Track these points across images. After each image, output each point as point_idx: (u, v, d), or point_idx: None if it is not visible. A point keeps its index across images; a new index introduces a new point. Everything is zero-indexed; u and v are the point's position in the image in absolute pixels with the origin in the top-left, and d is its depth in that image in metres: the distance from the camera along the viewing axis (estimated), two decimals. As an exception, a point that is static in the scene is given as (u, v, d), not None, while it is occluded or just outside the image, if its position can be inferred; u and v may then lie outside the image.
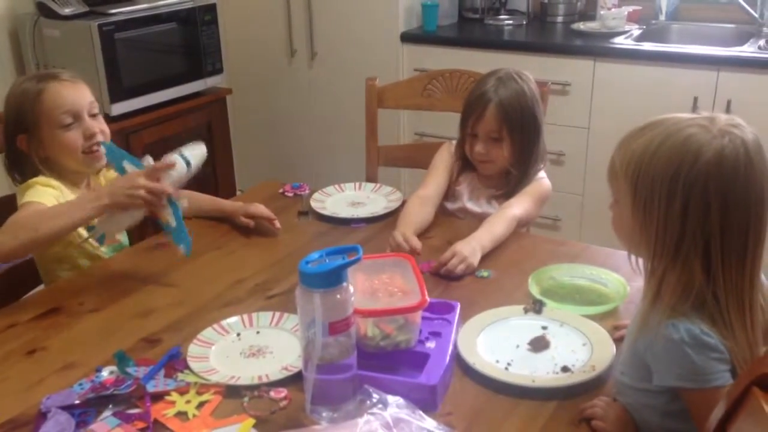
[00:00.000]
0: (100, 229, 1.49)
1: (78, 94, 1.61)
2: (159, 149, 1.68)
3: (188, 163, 1.46)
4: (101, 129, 1.63)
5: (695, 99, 2.57)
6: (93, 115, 1.63)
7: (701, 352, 0.96)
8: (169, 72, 2.96)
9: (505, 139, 1.73)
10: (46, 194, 1.54)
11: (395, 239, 1.57)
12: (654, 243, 0.99)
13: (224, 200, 1.83)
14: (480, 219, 1.75)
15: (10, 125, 1.61)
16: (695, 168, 0.95)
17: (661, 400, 1.03)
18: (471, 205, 1.83)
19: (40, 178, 1.58)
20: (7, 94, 1.63)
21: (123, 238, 1.75)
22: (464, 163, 1.84)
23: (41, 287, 1.65)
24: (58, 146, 1.60)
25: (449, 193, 1.85)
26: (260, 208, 1.73)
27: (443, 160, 1.86)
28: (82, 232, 1.55)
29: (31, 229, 1.40)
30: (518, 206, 1.69)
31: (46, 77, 1.62)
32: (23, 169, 1.62)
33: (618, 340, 1.23)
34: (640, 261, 1.05)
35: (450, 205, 1.86)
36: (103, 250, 1.65)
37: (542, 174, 1.79)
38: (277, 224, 1.72)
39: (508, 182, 1.79)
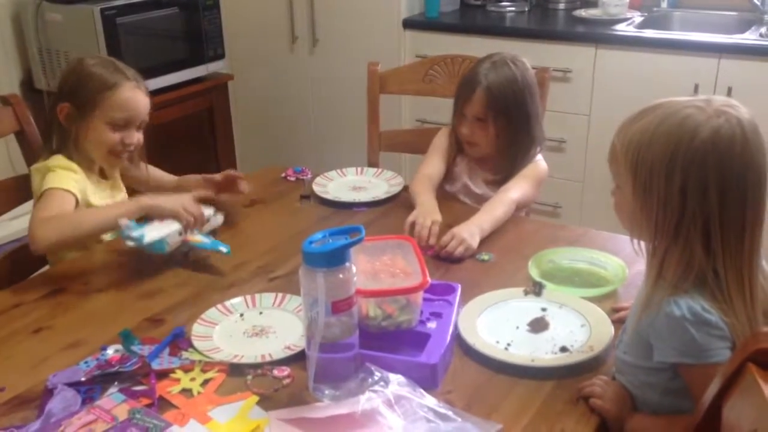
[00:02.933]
0: (141, 229, 1.47)
1: (142, 106, 1.63)
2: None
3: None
4: (138, 140, 1.66)
5: (696, 86, 2.57)
6: (139, 126, 1.66)
7: (702, 328, 0.97)
8: (170, 57, 2.96)
9: (490, 124, 1.74)
10: (68, 179, 1.55)
11: (423, 225, 1.56)
12: (655, 223, 1.01)
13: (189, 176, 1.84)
14: (479, 199, 1.77)
15: (64, 93, 1.61)
16: (692, 147, 0.97)
17: (662, 378, 1.04)
18: (472, 185, 1.85)
19: (61, 161, 1.59)
20: (74, 66, 1.62)
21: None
22: (460, 145, 1.85)
23: (47, 267, 1.66)
24: (94, 136, 1.61)
25: (447, 175, 1.86)
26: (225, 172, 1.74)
27: (440, 144, 1.87)
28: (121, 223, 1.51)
29: (75, 226, 1.47)
30: (516, 189, 1.70)
31: (123, 73, 1.61)
32: (51, 137, 1.63)
33: (616, 322, 1.24)
34: (643, 244, 1.07)
35: (449, 187, 1.87)
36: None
37: (539, 157, 1.81)
38: (243, 186, 1.73)
39: (502, 166, 1.80)
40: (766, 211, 1.01)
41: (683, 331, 0.98)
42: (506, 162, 1.78)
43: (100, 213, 1.52)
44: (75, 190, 1.54)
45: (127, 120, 1.61)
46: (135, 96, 1.61)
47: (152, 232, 1.46)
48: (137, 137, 1.65)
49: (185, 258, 1.54)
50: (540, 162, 1.80)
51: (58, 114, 1.60)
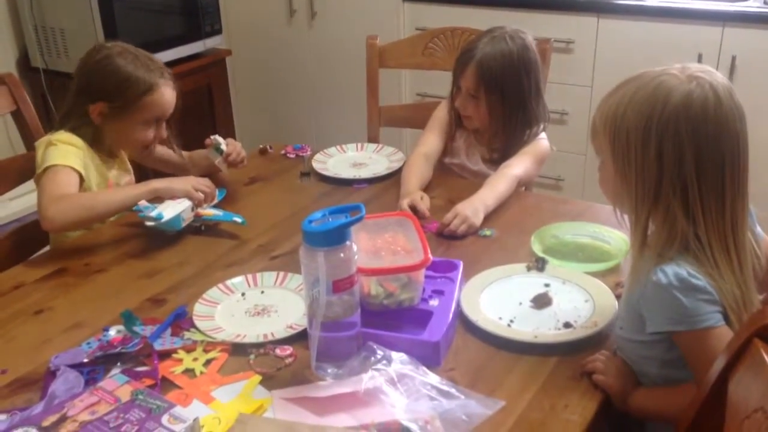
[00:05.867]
0: (157, 208, 1.50)
1: (172, 103, 1.65)
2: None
3: (221, 151, 1.74)
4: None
5: (700, 55, 2.54)
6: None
7: (690, 294, 0.98)
8: (167, 33, 2.93)
9: (482, 98, 1.72)
10: (70, 154, 1.55)
11: (402, 209, 1.56)
12: (635, 192, 1.02)
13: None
14: (476, 175, 1.75)
15: (97, 91, 1.59)
16: (665, 113, 0.97)
17: (658, 350, 1.04)
18: (468, 162, 1.83)
19: (62, 135, 1.58)
20: (103, 63, 1.60)
21: None
22: (459, 119, 1.83)
23: (47, 248, 1.66)
24: (130, 134, 1.63)
25: (446, 149, 1.85)
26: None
27: (440, 117, 1.86)
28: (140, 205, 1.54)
29: (87, 208, 1.48)
30: (518, 166, 1.68)
31: (156, 72, 1.61)
32: (67, 117, 1.62)
33: (620, 297, 1.24)
34: (626, 216, 1.07)
35: (447, 159, 1.86)
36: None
37: (542, 135, 1.78)
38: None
39: (498, 144, 1.78)
40: (748, 175, 1.01)
41: (672, 299, 0.98)
42: (502, 139, 1.76)
43: (114, 196, 1.53)
44: (78, 166, 1.54)
45: (159, 117, 1.64)
46: (169, 95, 1.63)
47: (168, 210, 1.50)
48: (163, 131, 1.67)
49: (198, 231, 1.57)
50: (543, 140, 1.77)
51: (92, 113, 1.60)
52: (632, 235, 1.06)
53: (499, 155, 1.77)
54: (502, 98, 1.70)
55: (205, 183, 1.59)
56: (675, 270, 0.98)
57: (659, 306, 1.00)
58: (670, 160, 0.98)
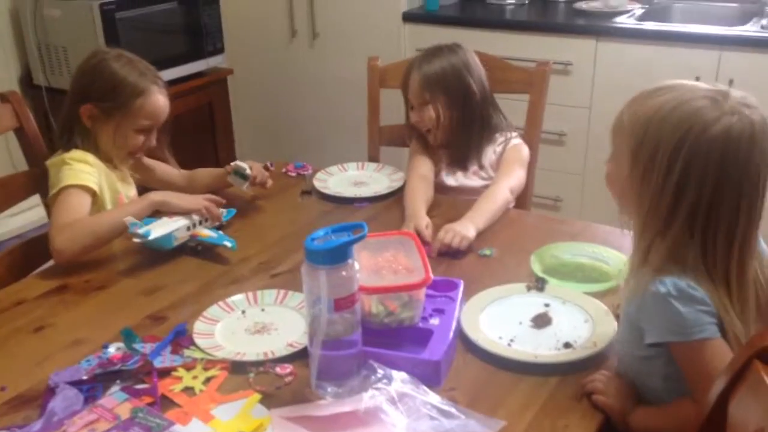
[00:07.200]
0: (148, 225, 1.50)
1: (166, 111, 1.66)
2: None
3: (246, 177, 1.72)
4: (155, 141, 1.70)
5: (697, 79, 2.55)
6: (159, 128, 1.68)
7: (688, 304, 0.98)
8: (170, 52, 2.95)
9: (430, 103, 1.80)
10: (83, 173, 1.56)
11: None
12: (647, 208, 1.01)
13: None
14: (459, 191, 1.81)
15: (89, 93, 1.60)
16: (701, 140, 0.96)
17: (657, 364, 1.04)
18: (445, 180, 1.87)
19: (74, 153, 1.59)
20: (97, 65, 1.62)
21: None
22: (426, 144, 1.89)
23: (48, 265, 1.66)
24: (119, 139, 1.63)
25: None
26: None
27: (417, 148, 1.92)
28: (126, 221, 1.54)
29: (92, 234, 1.49)
30: (505, 179, 1.72)
31: (149, 78, 1.62)
32: (68, 132, 1.63)
33: (618, 318, 1.24)
34: (629, 219, 1.08)
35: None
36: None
37: (517, 140, 1.84)
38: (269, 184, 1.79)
39: (459, 150, 1.84)
40: (760, 218, 1.01)
41: (670, 308, 0.98)
42: (460, 145, 1.82)
43: (114, 215, 1.53)
44: (91, 184, 1.56)
45: (151, 125, 1.64)
46: (161, 102, 1.64)
47: (159, 229, 1.49)
48: (154, 139, 1.68)
49: (195, 251, 1.56)
50: (519, 144, 1.83)
51: (82, 114, 1.60)
52: (634, 246, 1.05)
53: (463, 163, 1.84)
54: (447, 99, 1.78)
55: (216, 200, 1.59)
56: (674, 281, 0.99)
57: (657, 316, 1.00)
58: (691, 187, 0.97)
